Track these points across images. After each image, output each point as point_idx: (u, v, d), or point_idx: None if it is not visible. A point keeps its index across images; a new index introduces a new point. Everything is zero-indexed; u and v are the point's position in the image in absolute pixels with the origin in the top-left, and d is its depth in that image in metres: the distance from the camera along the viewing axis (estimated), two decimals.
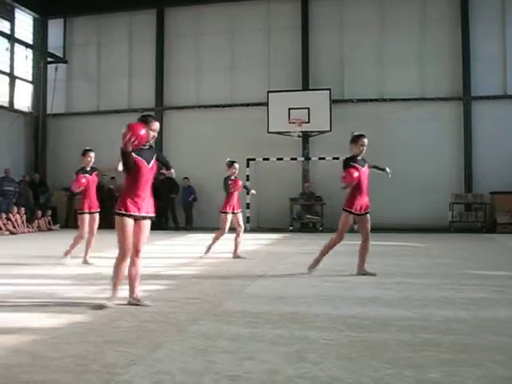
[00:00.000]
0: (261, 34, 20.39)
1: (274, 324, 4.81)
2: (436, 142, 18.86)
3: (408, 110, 19.14)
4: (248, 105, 19.98)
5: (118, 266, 5.67)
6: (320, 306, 5.56)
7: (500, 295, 6.32)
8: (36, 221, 18.74)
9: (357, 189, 7.97)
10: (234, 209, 10.28)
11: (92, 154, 9.67)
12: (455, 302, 5.85)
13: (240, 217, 10.43)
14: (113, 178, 20.33)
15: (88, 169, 9.52)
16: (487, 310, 5.45)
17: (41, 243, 14.43)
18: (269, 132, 18.29)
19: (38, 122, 22.06)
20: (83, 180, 9.40)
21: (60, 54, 22.03)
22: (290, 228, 18.23)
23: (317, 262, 8.13)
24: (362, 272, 7.98)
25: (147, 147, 5.79)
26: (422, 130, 18.93)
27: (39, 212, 18.94)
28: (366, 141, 8.03)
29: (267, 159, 18.63)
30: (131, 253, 5.64)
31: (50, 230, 19.01)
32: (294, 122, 17.86)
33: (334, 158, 16.52)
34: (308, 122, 17.88)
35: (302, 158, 19.06)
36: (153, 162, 5.78)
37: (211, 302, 5.86)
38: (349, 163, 7.95)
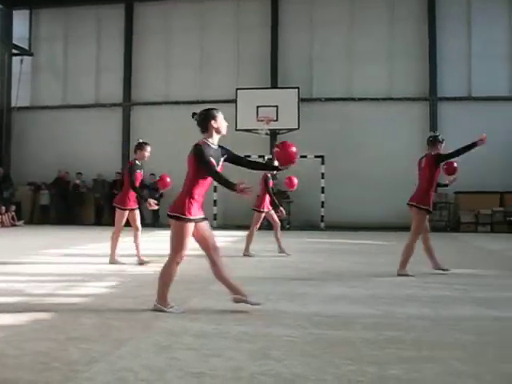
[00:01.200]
0: (230, 32, 20.35)
1: (239, 321, 4.82)
2: (403, 142, 19.07)
3: (375, 109, 19.34)
4: (216, 102, 19.86)
5: (171, 271, 5.22)
6: (286, 304, 5.58)
7: (463, 293, 6.42)
8: None
9: (432, 185, 7.96)
10: (268, 207, 10.52)
11: (149, 149, 8.89)
12: (419, 300, 5.93)
13: (274, 214, 10.61)
14: (79, 173, 20.09)
15: (139, 163, 8.86)
16: (450, 308, 5.54)
17: (3, 240, 14.15)
18: (237, 129, 18.25)
19: (2, 115, 21.66)
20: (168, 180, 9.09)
21: (25, 47, 21.64)
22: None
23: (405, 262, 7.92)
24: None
25: (216, 147, 5.28)
26: (389, 130, 19.13)
27: (3, 207, 18.59)
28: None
29: None
30: (214, 255, 5.27)
31: (13, 225, 18.68)
32: (262, 120, 17.87)
33: (302, 156, 16.55)
34: (276, 120, 17.91)
35: (270, 156, 19.06)
36: (221, 163, 5.26)
37: (176, 299, 5.82)
38: (441, 158, 7.95)
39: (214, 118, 5.32)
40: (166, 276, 5.20)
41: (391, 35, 19.61)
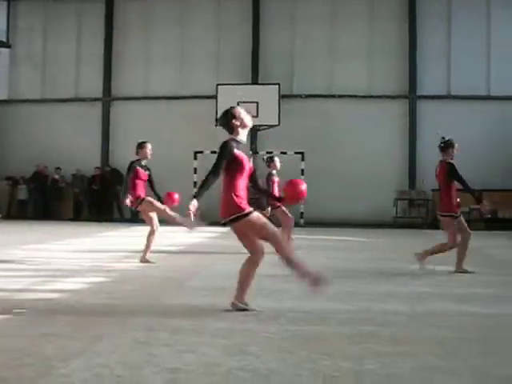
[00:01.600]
0: (211, 28, 20.26)
1: (216, 317, 4.82)
2: (382, 139, 19.18)
3: (355, 106, 19.41)
4: (197, 97, 19.86)
5: (251, 270, 5.14)
6: (262, 300, 5.58)
7: (439, 289, 6.49)
8: None
9: (449, 191, 8.00)
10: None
11: (149, 146, 8.50)
12: (396, 296, 5.98)
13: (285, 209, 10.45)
14: (58, 168, 19.90)
15: (143, 163, 8.49)
16: (427, 304, 5.59)
17: None
18: (217, 125, 18.23)
19: None
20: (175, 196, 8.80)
21: (3, 39, 21.33)
22: None
23: (461, 260, 7.84)
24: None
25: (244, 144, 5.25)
26: (368, 127, 19.21)
27: None
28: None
29: (215, 152, 18.47)
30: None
31: None
32: None
33: (282, 153, 16.60)
34: (256, 116, 17.87)
35: (250, 152, 19.08)
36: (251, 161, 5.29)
37: (153, 294, 5.82)
38: (453, 174, 7.99)
39: (233, 116, 5.26)
40: (247, 276, 5.11)
41: (372, 33, 19.69)
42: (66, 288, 6.13)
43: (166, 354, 3.69)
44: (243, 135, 5.30)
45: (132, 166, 8.39)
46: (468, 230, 7.98)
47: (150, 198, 8.45)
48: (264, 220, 5.07)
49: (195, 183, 17.91)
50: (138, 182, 8.37)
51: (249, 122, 5.30)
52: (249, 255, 5.14)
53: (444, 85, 19.43)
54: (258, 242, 5.08)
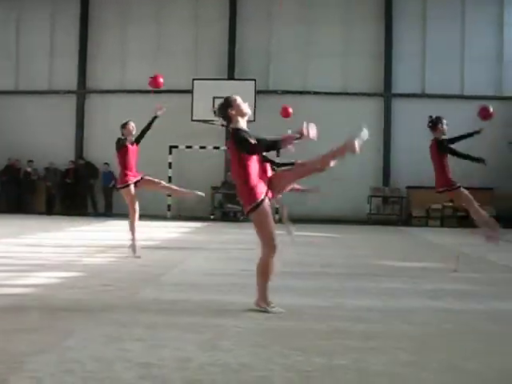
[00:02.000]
0: (188, 21, 20.15)
1: (189, 312, 4.81)
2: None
3: (331, 103, 19.48)
4: (173, 92, 19.74)
5: (269, 264, 4.91)
6: (236, 295, 5.59)
7: (411, 285, 6.57)
8: None
9: (444, 167, 8.17)
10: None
11: (132, 123, 9.14)
12: (369, 292, 6.03)
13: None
14: (30, 161, 19.64)
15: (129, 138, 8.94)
16: (398, 300, 5.66)
17: None
18: (192, 120, 18.17)
19: None
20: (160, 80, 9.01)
21: None
22: (212, 217, 18.22)
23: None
24: None
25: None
26: (343, 124, 19.26)
27: None
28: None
29: (190, 147, 18.54)
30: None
31: None
32: None
33: None
34: None
35: (225, 147, 19.07)
36: None
37: (127, 289, 5.78)
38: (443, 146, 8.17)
39: (228, 105, 5.15)
40: (265, 274, 4.91)
41: (348, 32, 19.77)
42: (38, 283, 6.06)
43: (138, 349, 3.68)
44: (243, 124, 5.14)
45: (121, 143, 8.80)
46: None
47: (148, 177, 8.90)
48: (270, 217, 4.93)
49: (170, 178, 17.86)
50: (130, 159, 8.73)
51: (246, 109, 5.17)
52: (263, 250, 4.93)
53: (419, 84, 19.63)
54: (272, 233, 4.90)
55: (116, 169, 18.54)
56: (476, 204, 7.96)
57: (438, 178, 8.16)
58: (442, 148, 8.06)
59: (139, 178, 8.75)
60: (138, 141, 9.03)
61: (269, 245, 4.88)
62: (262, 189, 4.86)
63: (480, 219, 7.97)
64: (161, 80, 8.82)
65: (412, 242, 12.84)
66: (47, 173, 19.76)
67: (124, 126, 9.08)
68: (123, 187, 8.68)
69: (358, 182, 18.92)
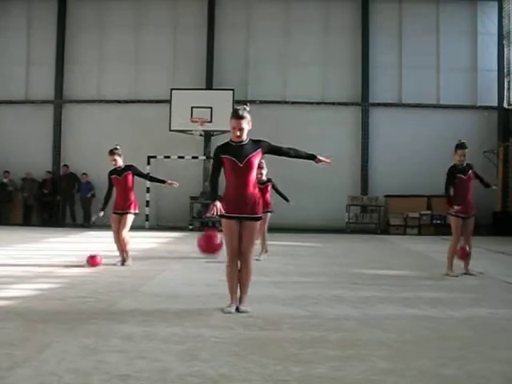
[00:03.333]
0: (167, 31, 20.16)
1: (168, 322, 4.80)
2: (335, 146, 19.38)
3: (309, 113, 19.62)
4: (151, 101, 19.73)
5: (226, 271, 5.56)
6: (214, 305, 5.58)
7: (389, 293, 6.62)
8: None
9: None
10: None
11: (114, 153, 8.95)
12: (347, 300, 6.06)
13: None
14: (6, 171, 19.41)
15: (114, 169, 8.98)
16: (376, 308, 5.70)
17: None
18: (171, 130, 18.14)
19: None
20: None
21: None
22: (190, 227, 18.17)
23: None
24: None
25: (240, 144, 5.51)
26: (321, 134, 19.43)
27: None
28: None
29: (168, 157, 18.50)
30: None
31: None
32: (196, 121, 17.80)
33: None
34: (210, 121, 17.88)
35: (204, 157, 19.08)
36: (250, 158, 5.44)
37: (105, 300, 5.75)
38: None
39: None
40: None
41: (326, 42, 19.97)
42: (15, 295, 5.99)
43: (116, 360, 3.66)
44: (232, 136, 5.58)
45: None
46: (467, 233, 8.51)
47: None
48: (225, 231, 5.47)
49: (148, 188, 17.80)
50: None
51: (232, 130, 5.59)
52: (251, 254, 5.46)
53: (396, 93, 19.88)
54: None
55: (94, 179, 18.62)
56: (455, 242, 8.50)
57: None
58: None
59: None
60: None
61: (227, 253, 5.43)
62: (230, 207, 5.25)
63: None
64: (98, 260, 8.70)
65: (390, 250, 12.93)
66: (24, 183, 19.55)
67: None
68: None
69: (337, 191, 19.04)
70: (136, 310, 5.29)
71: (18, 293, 6.14)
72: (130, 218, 8.82)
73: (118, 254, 8.90)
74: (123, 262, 8.84)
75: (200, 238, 6.35)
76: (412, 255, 11.78)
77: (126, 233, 8.81)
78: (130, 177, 8.93)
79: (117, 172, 8.92)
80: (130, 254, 8.96)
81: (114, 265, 8.67)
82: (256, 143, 5.55)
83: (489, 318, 5.33)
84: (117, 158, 8.92)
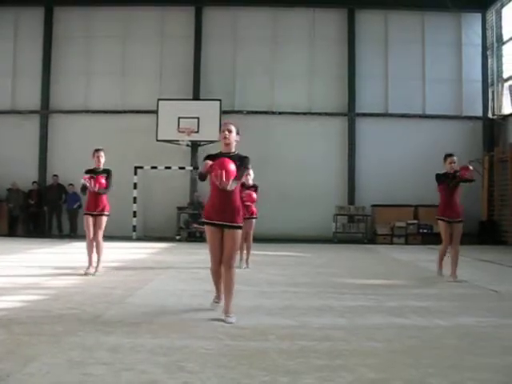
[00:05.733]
0: (154, 41, 20.17)
1: (155, 334, 4.76)
2: (322, 156, 19.53)
3: (296, 123, 19.69)
4: (138, 112, 19.70)
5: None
6: (202, 316, 5.56)
7: (376, 303, 6.62)
8: None
9: (442, 198, 8.95)
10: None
11: (100, 153, 9.30)
12: (334, 310, 6.06)
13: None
14: None
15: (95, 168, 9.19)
16: (363, 317, 5.70)
17: None
18: (158, 140, 18.11)
19: None
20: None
21: None
22: (177, 237, 18.11)
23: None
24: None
25: (227, 155, 5.85)
26: (308, 144, 19.52)
27: None
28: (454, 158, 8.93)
29: (155, 167, 18.46)
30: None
31: None
32: (183, 132, 17.79)
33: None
34: (197, 131, 17.89)
35: (191, 167, 19.05)
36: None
37: (91, 312, 5.70)
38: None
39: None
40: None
41: (312, 53, 20.07)
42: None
43: (103, 373, 3.62)
44: (224, 148, 5.98)
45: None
46: (453, 240, 8.78)
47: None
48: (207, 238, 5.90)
49: (135, 198, 17.75)
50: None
51: (222, 140, 5.91)
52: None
53: (382, 103, 20.00)
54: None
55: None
56: (443, 246, 8.94)
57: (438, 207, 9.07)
58: (436, 181, 9.16)
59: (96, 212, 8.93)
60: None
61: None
62: (211, 214, 5.55)
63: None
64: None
65: (377, 260, 12.94)
66: (10, 194, 19.40)
67: (92, 154, 9.33)
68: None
69: (324, 201, 19.08)
70: (122, 322, 5.25)
71: (2, 304, 6.06)
72: (105, 220, 8.87)
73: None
74: (96, 268, 8.83)
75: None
76: (399, 264, 11.81)
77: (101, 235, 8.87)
78: (102, 180, 8.97)
79: (94, 172, 9.06)
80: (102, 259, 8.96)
81: (86, 274, 8.62)
82: (241, 159, 5.84)
83: (476, 326, 5.35)
84: (102, 156, 9.15)
